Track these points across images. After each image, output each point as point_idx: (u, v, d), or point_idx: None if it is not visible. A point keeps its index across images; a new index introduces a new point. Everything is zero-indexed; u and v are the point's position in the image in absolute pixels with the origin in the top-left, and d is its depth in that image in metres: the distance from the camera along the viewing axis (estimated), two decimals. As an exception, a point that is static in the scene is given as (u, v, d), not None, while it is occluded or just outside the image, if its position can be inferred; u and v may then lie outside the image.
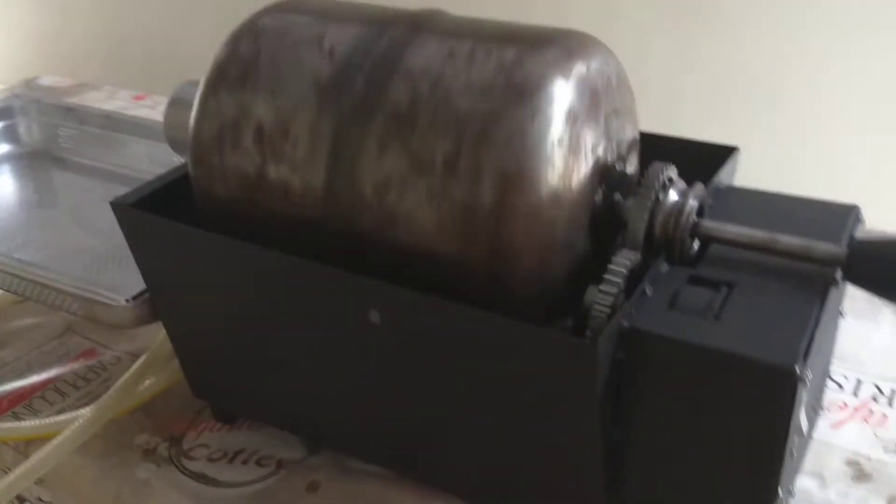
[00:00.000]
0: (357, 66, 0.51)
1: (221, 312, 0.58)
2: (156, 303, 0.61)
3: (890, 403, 0.68)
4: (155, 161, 0.89)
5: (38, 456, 0.62)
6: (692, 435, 0.45)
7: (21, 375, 0.74)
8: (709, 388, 0.43)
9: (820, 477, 0.61)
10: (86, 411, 0.65)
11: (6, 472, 0.64)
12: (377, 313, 0.49)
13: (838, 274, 0.47)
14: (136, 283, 0.61)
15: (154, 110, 1.18)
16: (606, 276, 0.46)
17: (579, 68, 0.48)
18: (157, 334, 0.76)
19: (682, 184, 0.50)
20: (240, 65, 0.54)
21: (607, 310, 0.45)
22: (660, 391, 0.45)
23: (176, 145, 0.65)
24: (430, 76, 0.48)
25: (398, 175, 0.48)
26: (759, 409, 0.42)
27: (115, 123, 0.92)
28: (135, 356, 0.75)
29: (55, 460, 0.63)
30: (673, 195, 0.49)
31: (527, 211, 0.45)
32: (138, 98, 1.25)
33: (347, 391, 0.57)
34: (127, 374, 0.67)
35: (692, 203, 0.49)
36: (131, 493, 0.63)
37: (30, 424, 0.67)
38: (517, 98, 0.46)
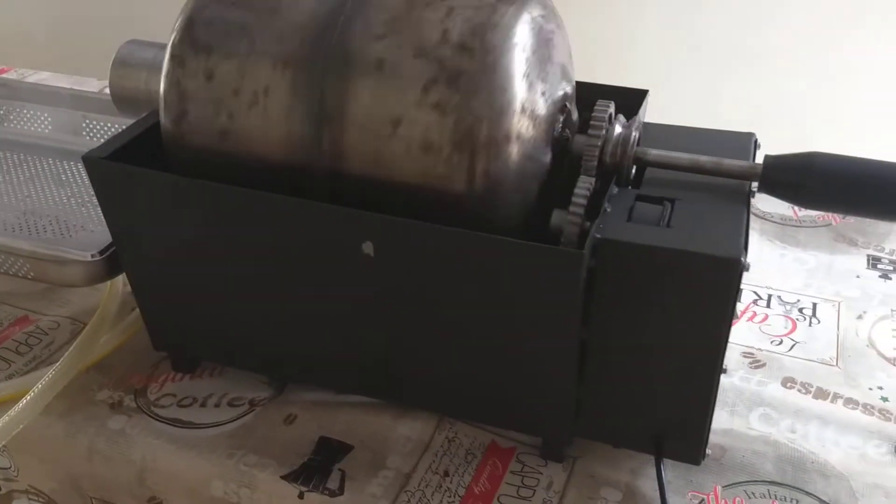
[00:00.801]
0: (327, 20, 0.55)
1: (198, 259, 0.61)
2: (122, 256, 0.63)
3: (768, 305, 0.80)
4: (58, 127, 0.89)
5: (4, 419, 0.63)
6: (651, 328, 0.54)
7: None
8: (668, 284, 0.52)
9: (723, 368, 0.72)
10: (47, 371, 0.65)
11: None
12: (371, 245, 0.54)
13: (755, 186, 0.57)
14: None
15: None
16: (574, 199, 0.53)
17: (532, 17, 0.54)
18: (89, 296, 0.77)
19: (622, 119, 0.58)
20: (213, 20, 0.56)
21: (577, 227, 0.53)
22: (625, 292, 0.53)
23: (124, 104, 0.66)
24: (398, 24, 0.53)
25: (381, 119, 0.53)
26: (710, 296, 0.51)
27: (12, 91, 0.90)
28: (73, 319, 0.76)
29: (22, 421, 0.63)
30: (617, 128, 0.57)
31: (505, 145, 0.52)
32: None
33: (330, 324, 0.61)
34: (84, 333, 0.68)
35: (634, 134, 0.57)
36: (107, 444, 0.65)
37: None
38: (484, 42, 0.52)
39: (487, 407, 0.63)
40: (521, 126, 0.52)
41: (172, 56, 0.57)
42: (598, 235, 0.51)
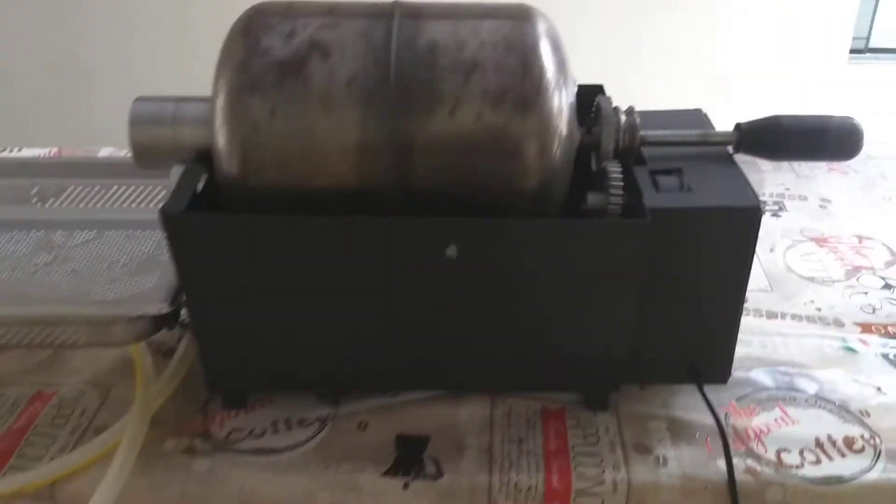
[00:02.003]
0: (379, 52, 0.62)
1: (272, 292, 0.65)
2: (192, 303, 0.66)
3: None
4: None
5: (101, 492, 0.63)
6: (692, 274, 0.65)
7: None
8: (704, 235, 0.63)
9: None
10: (106, 437, 0.67)
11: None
12: (455, 248, 0.61)
13: (731, 149, 0.70)
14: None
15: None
16: (612, 181, 0.63)
17: (546, 27, 0.64)
18: (94, 361, 0.78)
19: (622, 109, 0.69)
20: (264, 66, 0.61)
21: (619, 204, 0.63)
22: (670, 247, 0.64)
23: (146, 158, 0.69)
24: (447, 53, 0.61)
25: (449, 138, 0.61)
26: (738, 240, 0.63)
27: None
28: (95, 383, 0.77)
29: (116, 490, 0.64)
30: (623, 117, 0.68)
31: (554, 144, 0.62)
32: None
33: (397, 330, 0.68)
34: (139, 390, 0.70)
35: (637, 120, 0.68)
36: (200, 486, 0.67)
37: (65, 461, 0.67)
38: (525, 60, 0.62)
39: (537, 377, 0.72)
40: (562, 126, 0.62)
41: (230, 106, 0.61)
42: (650, 206, 0.62)
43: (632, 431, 0.71)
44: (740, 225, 0.63)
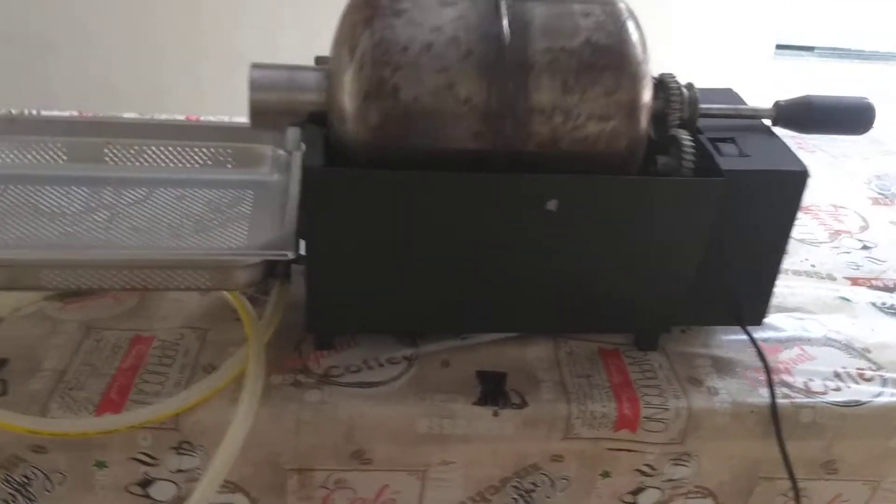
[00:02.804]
0: (494, 20, 0.70)
1: (387, 243, 0.72)
2: (312, 252, 0.73)
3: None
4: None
5: (235, 426, 0.70)
6: (745, 226, 0.76)
7: (94, 379, 0.76)
8: (760, 193, 0.74)
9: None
10: (221, 373, 0.74)
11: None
12: (555, 202, 0.71)
13: (770, 122, 0.82)
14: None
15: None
16: (685, 147, 0.73)
17: (630, 8, 0.74)
18: (181, 307, 0.84)
19: (683, 83, 0.79)
20: (393, 36, 0.69)
21: (691, 166, 0.73)
22: (728, 207, 0.74)
23: (262, 119, 0.76)
24: (557, 34, 0.70)
25: (557, 105, 0.70)
26: (788, 198, 0.75)
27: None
28: (191, 328, 0.83)
29: (248, 423, 0.71)
30: (685, 91, 0.78)
31: (643, 112, 0.71)
32: None
33: (486, 277, 0.76)
34: (255, 334, 0.77)
35: (697, 94, 0.79)
36: (314, 414, 0.75)
37: (187, 394, 0.73)
38: (622, 35, 0.71)
39: (599, 320, 0.82)
40: (649, 95, 0.72)
41: (360, 73, 0.69)
42: (723, 167, 0.72)
43: (682, 367, 0.82)
44: (792, 186, 0.74)
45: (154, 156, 0.93)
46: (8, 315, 0.81)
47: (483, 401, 0.76)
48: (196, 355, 0.79)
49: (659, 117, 0.77)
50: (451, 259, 0.74)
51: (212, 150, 0.94)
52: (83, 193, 0.88)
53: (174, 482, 0.76)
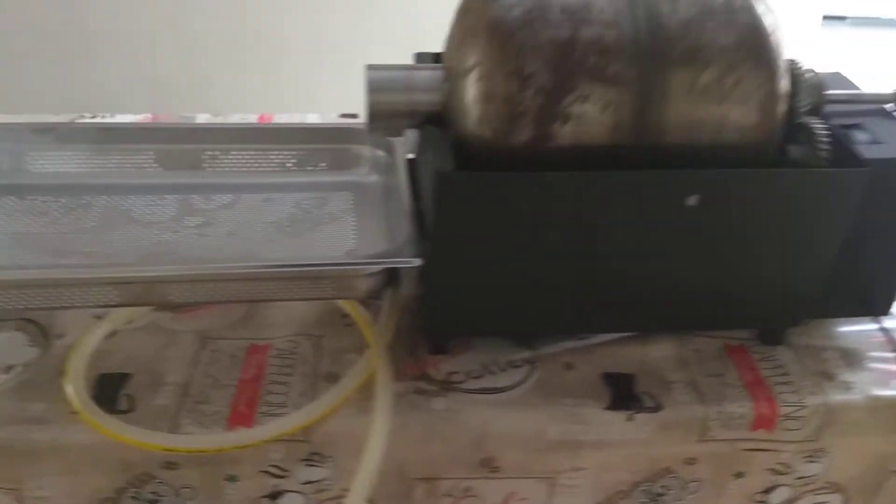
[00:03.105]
0: (632, 21, 0.68)
1: (516, 245, 0.70)
2: (438, 257, 0.71)
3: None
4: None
5: (373, 438, 0.68)
6: (882, 214, 0.73)
7: (218, 391, 0.75)
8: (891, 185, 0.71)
9: None
10: (348, 382, 0.73)
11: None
12: (696, 197, 0.68)
13: (891, 107, 0.78)
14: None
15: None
16: (819, 136, 0.71)
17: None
18: (290, 313, 0.83)
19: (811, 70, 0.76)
20: (526, 35, 0.66)
21: (825, 157, 0.71)
22: (871, 190, 0.71)
23: (381, 122, 0.74)
24: (690, 11, 0.68)
25: (698, 100, 0.67)
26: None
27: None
28: (305, 335, 0.81)
29: (388, 424, 0.70)
30: (811, 76, 0.75)
31: (782, 102, 0.69)
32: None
33: (613, 276, 0.74)
34: (375, 341, 0.75)
35: (822, 79, 0.76)
36: (442, 423, 0.73)
37: (316, 406, 0.71)
38: (753, 21, 0.68)
39: (727, 316, 0.79)
40: (785, 84, 0.69)
41: (489, 72, 0.66)
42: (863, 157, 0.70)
43: (810, 361, 0.80)
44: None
45: (246, 159, 0.92)
46: (121, 327, 0.80)
47: (615, 405, 0.74)
48: (314, 363, 0.78)
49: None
50: (579, 258, 0.72)
51: (305, 151, 0.92)
52: (173, 200, 0.87)
53: (302, 493, 0.74)
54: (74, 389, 0.70)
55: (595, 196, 0.68)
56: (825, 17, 2.43)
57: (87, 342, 0.75)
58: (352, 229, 0.85)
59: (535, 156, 0.68)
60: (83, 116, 1.20)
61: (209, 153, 0.90)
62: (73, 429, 0.70)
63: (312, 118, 1.22)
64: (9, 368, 0.75)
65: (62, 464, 0.70)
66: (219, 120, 1.17)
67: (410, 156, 0.86)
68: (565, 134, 0.67)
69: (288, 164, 0.92)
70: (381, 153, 0.91)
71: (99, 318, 0.78)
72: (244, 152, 0.92)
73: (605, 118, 0.67)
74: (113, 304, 0.70)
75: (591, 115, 0.67)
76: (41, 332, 0.79)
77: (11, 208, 0.84)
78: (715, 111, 0.67)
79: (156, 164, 0.89)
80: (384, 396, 0.70)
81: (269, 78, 2.18)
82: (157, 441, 0.68)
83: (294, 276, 0.71)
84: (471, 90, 0.68)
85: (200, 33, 2.14)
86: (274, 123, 1.13)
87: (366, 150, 0.92)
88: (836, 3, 2.48)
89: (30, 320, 0.80)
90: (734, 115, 0.68)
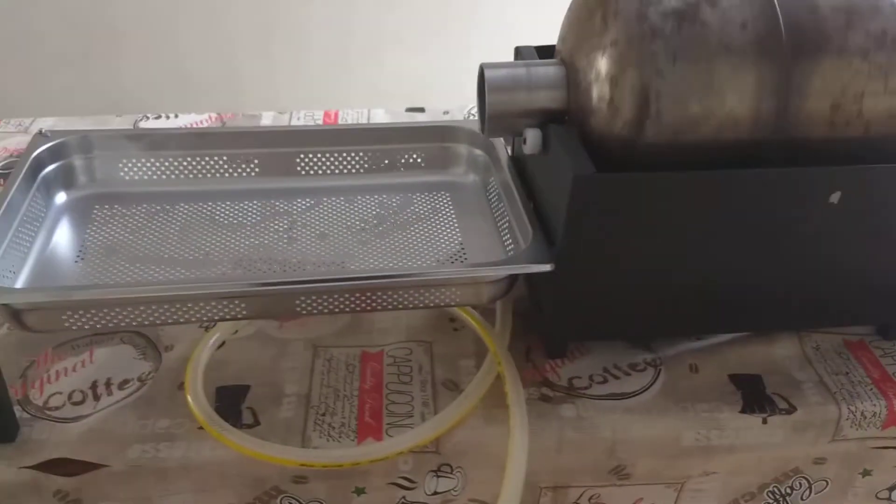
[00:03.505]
0: (771, 14, 0.65)
1: (648, 245, 0.68)
2: (569, 259, 0.69)
3: None
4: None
5: (515, 454, 0.67)
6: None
7: (341, 402, 0.73)
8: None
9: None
10: (482, 381, 0.72)
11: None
12: (839, 193, 0.66)
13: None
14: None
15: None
16: None
17: None
18: (384, 323, 0.81)
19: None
20: (662, 11, 0.64)
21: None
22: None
23: (499, 124, 0.72)
24: (841, 13, 0.65)
25: (839, 91, 0.65)
26: None
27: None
28: (415, 341, 0.79)
29: (526, 434, 0.68)
30: None
31: None
32: None
33: (745, 274, 0.72)
34: (497, 347, 0.73)
35: None
36: (575, 431, 0.71)
37: (445, 416, 0.70)
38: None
39: (854, 311, 0.77)
40: None
41: (630, 56, 0.64)
42: None
43: (932, 352, 0.78)
44: None
45: (343, 161, 0.90)
46: (229, 337, 0.78)
47: (749, 408, 0.73)
48: (430, 371, 0.76)
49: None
50: (708, 257, 0.70)
51: (399, 151, 0.90)
52: (260, 205, 0.86)
53: (429, 504, 0.73)
54: (199, 406, 0.68)
55: (734, 195, 0.66)
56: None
57: (202, 354, 0.73)
58: (454, 231, 0.82)
59: (665, 151, 0.66)
60: (147, 118, 1.18)
61: (303, 156, 0.88)
62: (200, 445, 0.68)
63: (378, 113, 1.20)
64: (124, 383, 0.73)
65: (191, 481, 0.68)
66: (309, 123, 1.15)
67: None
68: (708, 130, 0.65)
69: (382, 164, 0.89)
70: (478, 152, 0.89)
71: (204, 328, 0.76)
72: (334, 154, 0.90)
73: (747, 104, 0.65)
74: (241, 317, 0.68)
75: (733, 111, 0.64)
76: (150, 345, 0.77)
77: (106, 216, 0.82)
78: (857, 104, 0.66)
79: (258, 170, 0.86)
80: (519, 411, 0.69)
81: (295, 75, 2.16)
82: (294, 457, 0.66)
83: (422, 284, 0.68)
84: (604, 88, 0.66)
85: (229, 31, 2.12)
86: (369, 124, 1.11)
87: (463, 149, 0.90)
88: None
89: (137, 332, 0.78)
90: (877, 108, 0.66)
